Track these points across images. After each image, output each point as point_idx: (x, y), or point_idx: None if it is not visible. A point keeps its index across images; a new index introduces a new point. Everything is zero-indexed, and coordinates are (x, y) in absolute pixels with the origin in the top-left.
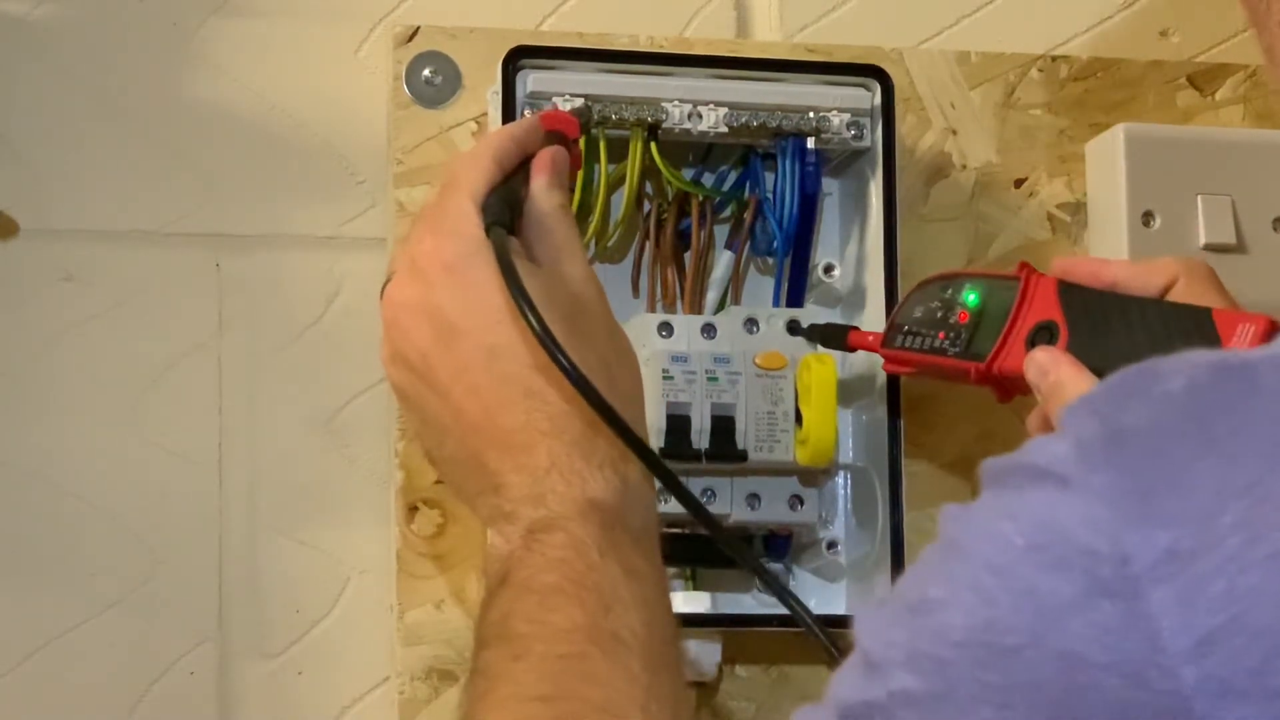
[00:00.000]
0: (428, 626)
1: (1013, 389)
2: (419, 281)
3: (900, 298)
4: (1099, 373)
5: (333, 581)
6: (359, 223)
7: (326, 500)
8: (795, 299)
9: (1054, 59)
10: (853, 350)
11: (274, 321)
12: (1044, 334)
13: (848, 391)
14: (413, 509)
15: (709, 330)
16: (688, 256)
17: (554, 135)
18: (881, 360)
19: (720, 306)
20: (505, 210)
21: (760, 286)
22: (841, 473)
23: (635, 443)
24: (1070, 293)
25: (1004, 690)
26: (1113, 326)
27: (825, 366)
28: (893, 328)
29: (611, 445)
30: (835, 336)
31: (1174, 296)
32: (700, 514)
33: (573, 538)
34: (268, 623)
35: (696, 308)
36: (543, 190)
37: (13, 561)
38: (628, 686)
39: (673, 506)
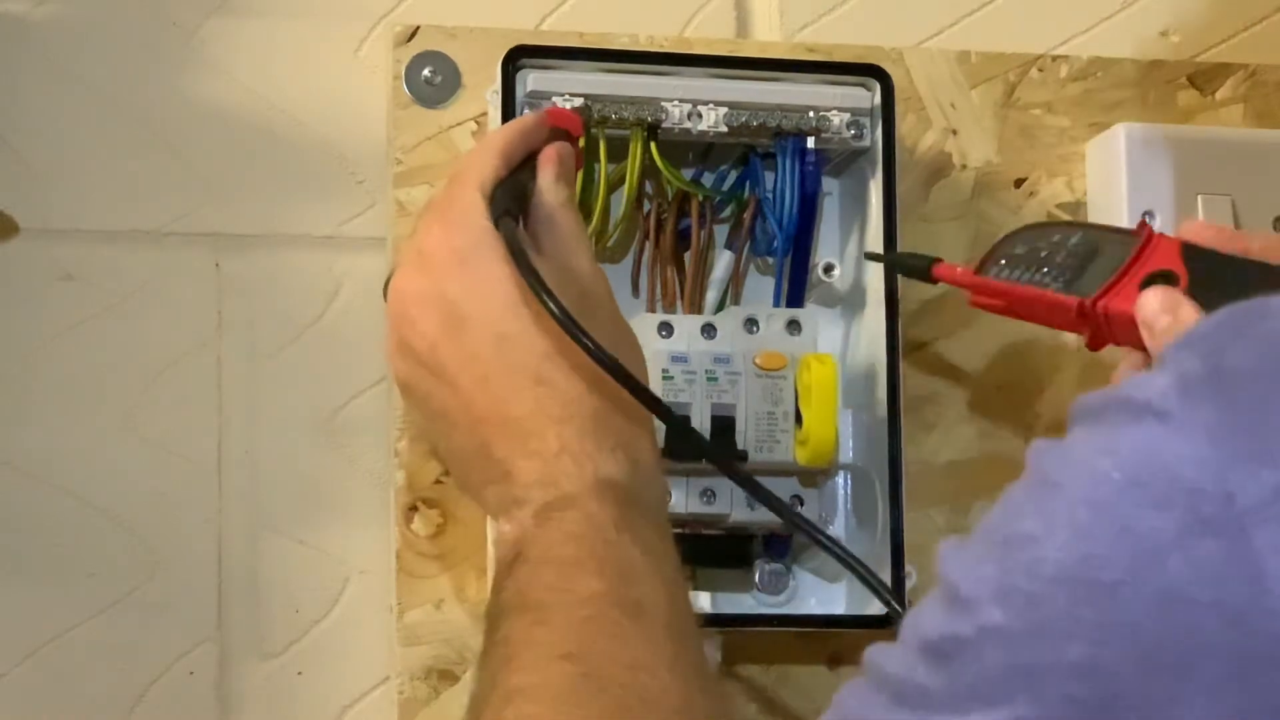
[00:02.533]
0: (428, 626)
1: (1111, 334)
2: (426, 271)
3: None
4: None
5: (333, 581)
6: (359, 222)
7: (326, 500)
8: (795, 299)
9: (1054, 59)
10: (935, 282)
11: (274, 321)
12: (1160, 280)
13: (848, 391)
14: (413, 509)
15: (709, 330)
16: (688, 256)
17: (558, 132)
18: (968, 296)
19: (720, 306)
20: (512, 203)
21: (760, 286)
22: (841, 473)
23: (658, 408)
24: (1195, 252)
25: (1098, 627)
26: (1239, 284)
27: (825, 366)
28: (988, 258)
29: (623, 428)
30: (918, 267)
31: None
32: (735, 474)
33: (588, 514)
34: (268, 623)
35: (696, 308)
36: (549, 184)
37: (12, 561)
38: (653, 647)
39: (674, 506)
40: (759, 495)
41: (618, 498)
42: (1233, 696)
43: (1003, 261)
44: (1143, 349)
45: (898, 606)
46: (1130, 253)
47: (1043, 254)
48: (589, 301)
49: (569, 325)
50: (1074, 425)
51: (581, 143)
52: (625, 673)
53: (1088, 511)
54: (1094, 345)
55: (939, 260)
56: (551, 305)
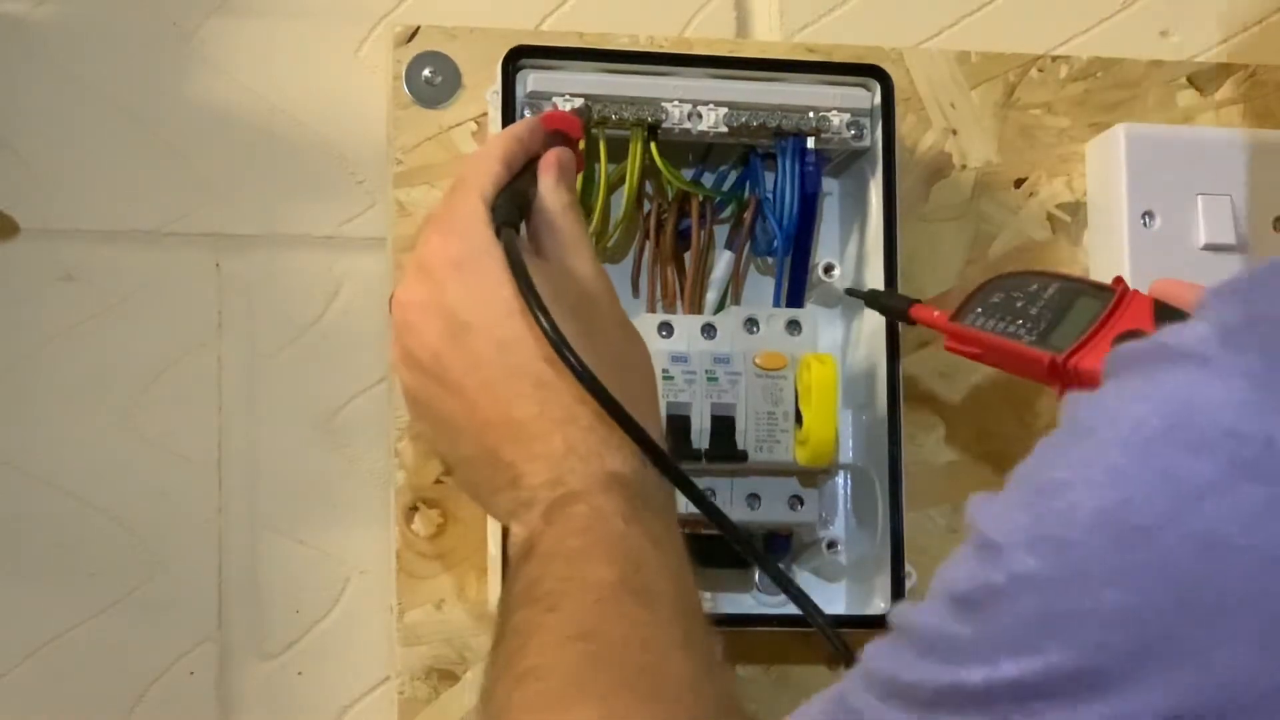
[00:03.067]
0: (428, 626)
1: (1081, 388)
2: (427, 281)
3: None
4: None
5: (333, 581)
6: (359, 222)
7: (326, 500)
8: (795, 299)
9: (1054, 59)
10: (913, 323)
11: (274, 321)
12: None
13: (848, 391)
14: (413, 509)
15: (709, 330)
16: (688, 256)
17: (556, 135)
18: (944, 339)
19: (720, 306)
20: (515, 210)
21: (760, 286)
22: (841, 473)
23: (643, 439)
24: (1167, 312)
25: (1134, 572)
26: None
27: (825, 366)
28: (965, 306)
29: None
30: (896, 307)
31: None
32: (709, 511)
33: (596, 508)
34: (268, 623)
35: (696, 308)
36: (550, 189)
37: (12, 561)
38: (665, 629)
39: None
40: (716, 520)
41: (625, 492)
42: (1269, 640)
43: (979, 310)
44: None
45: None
46: (1104, 309)
47: (1018, 304)
48: (591, 306)
49: (557, 343)
50: (1109, 376)
51: (581, 145)
52: (636, 652)
53: (1124, 456)
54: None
55: (916, 301)
56: (542, 321)
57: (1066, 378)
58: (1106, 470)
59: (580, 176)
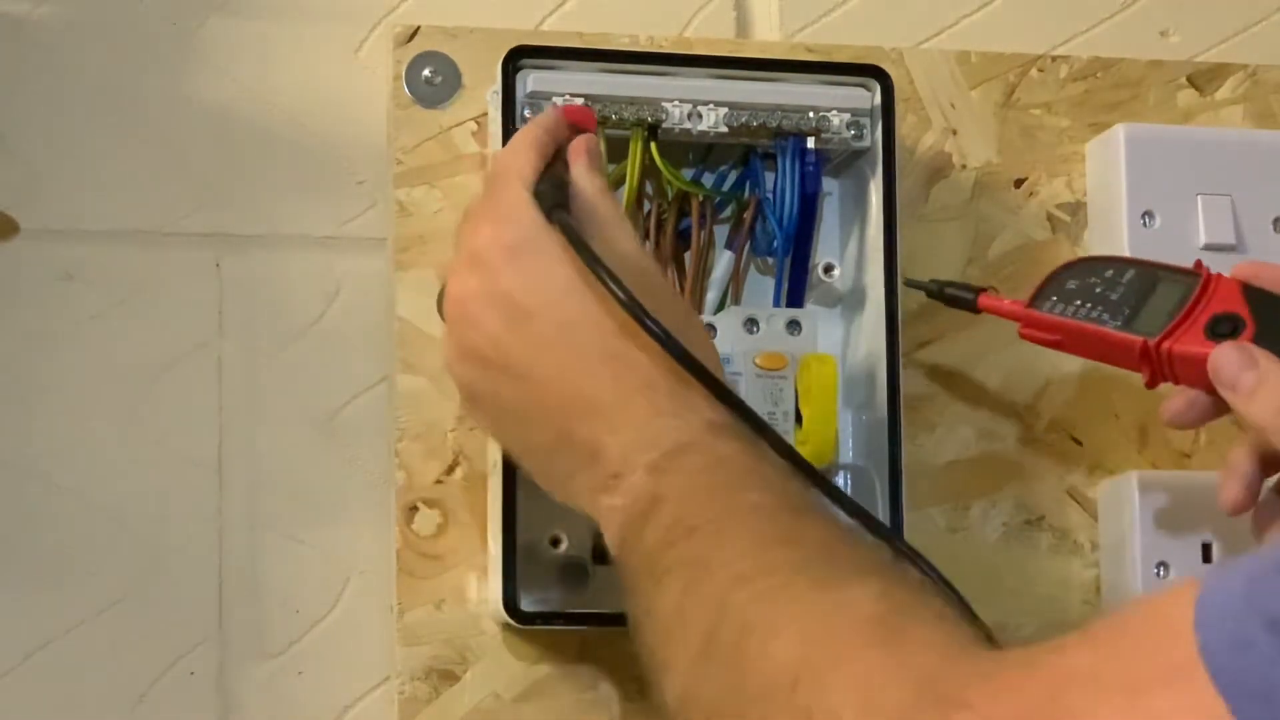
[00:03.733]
0: (428, 626)
1: (1173, 374)
2: (481, 270)
3: (889, 295)
4: None
5: (333, 581)
6: (359, 223)
7: (326, 500)
8: (795, 299)
9: (1054, 59)
10: (979, 313)
11: (274, 321)
12: (1226, 324)
13: (848, 391)
14: (413, 509)
15: (709, 330)
16: (688, 256)
17: (575, 128)
18: (1018, 327)
19: (720, 306)
20: (558, 192)
21: (760, 286)
22: (841, 473)
23: (727, 395)
24: (1256, 294)
25: None
26: None
27: (825, 366)
28: (1040, 293)
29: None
30: (962, 298)
31: None
32: (808, 471)
33: (712, 450)
34: (268, 623)
35: (696, 308)
36: (583, 174)
37: (13, 561)
38: (843, 532)
39: None
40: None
41: (736, 435)
42: None
43: (1054, 297)
44: (1204, 389)
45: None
46: (1190, 293)
47: (1097, 290)
48: (647, 282)
49: (635, 310)
50: None
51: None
52: (840, 545)
53: None
54: (1152, 384)
55: (984, 290)
56: (617, 292)
57: (1159, 362)
58: None
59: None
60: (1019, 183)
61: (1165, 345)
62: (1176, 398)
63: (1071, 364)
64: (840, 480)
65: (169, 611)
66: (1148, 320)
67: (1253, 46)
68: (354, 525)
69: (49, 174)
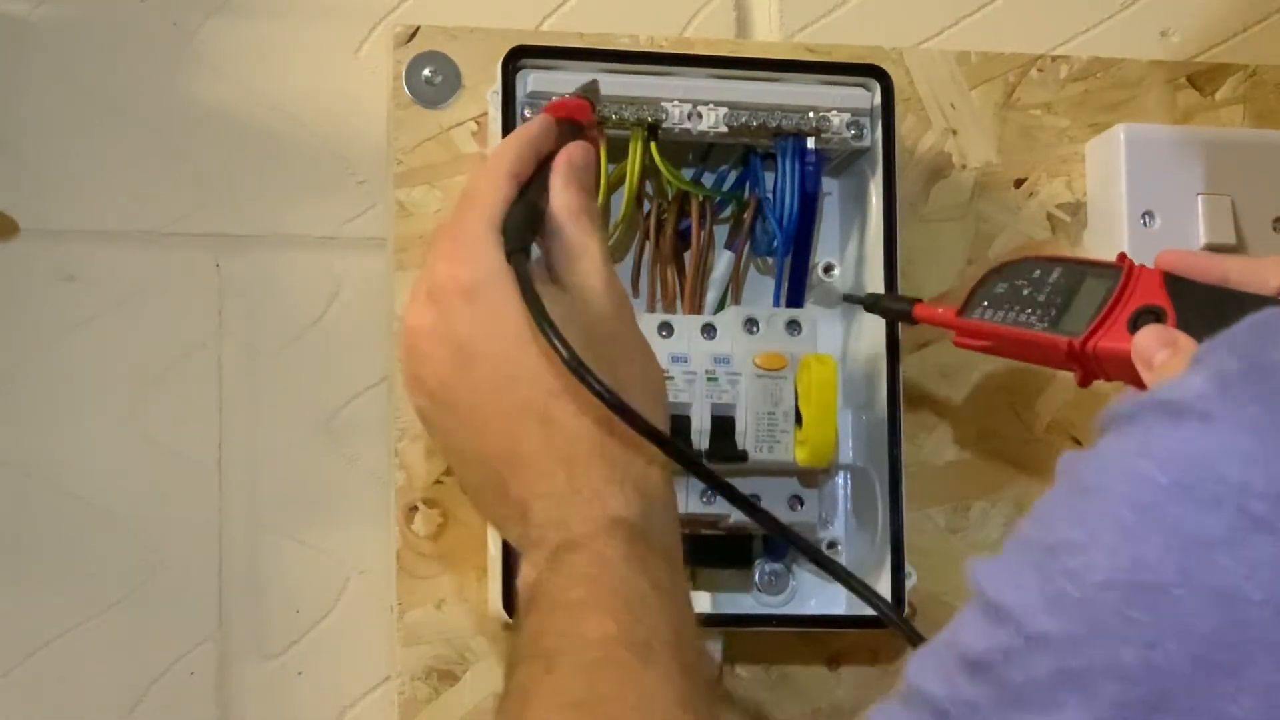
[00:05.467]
0: (428, 626)
1: (1102, 371)
2: (436, 308)
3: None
4: None
5: (333, 581)
6: (359, 223)
7: (326, 500)
8: (795, 299)
9: (1054, 59)
10: (916, 323)
11: (274, 321)
12: (1149, 316)
13: (848, 391)
14: (413, 509)
15: (709, 330)
16: (688, 256)
17: (567, 124)
18: (952, 335)
19: (720, 306)
20: (525, 227)
21: (760, 286)
22: (841, 473)
23: (680, 454)
24: (1178, 284)
25: (1151, 629)
26: (1226, 317)
27: (825, 366)
28: (970, 300)
29: (632, 463)
30: (898, 310)
31: None
32: (757, 514)
33: (598, 554)
34: (268, 623)
35: (696, 308)
36: (561, 193)
37: (13, 561)
38: (663, 687)
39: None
40: (757, 517)
41: (628, 534)
42: None
43: (985, 303)
44: (1135, 384)
45: (895, 618)
46: (1113, 288)
47: (1024, 292)
48: (603, 327)
49: (577, 369)
50: (1105, 433)
51: (598, 125)
52: (633, 714)
53: (1134, 515)
54: (1084, 382)
55: (919, 301)
56: (561, 350)
57: (1087, 360)
58: (1117, 529)
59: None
60: (1019, 183)
61: (1090, 343)
62: (1114, 398)
63: None
64: (840, 480)
65: (169, 611)
66: (1073, 319)
67: (1253, 46)
68: (354, 525)
69: (49, 174)
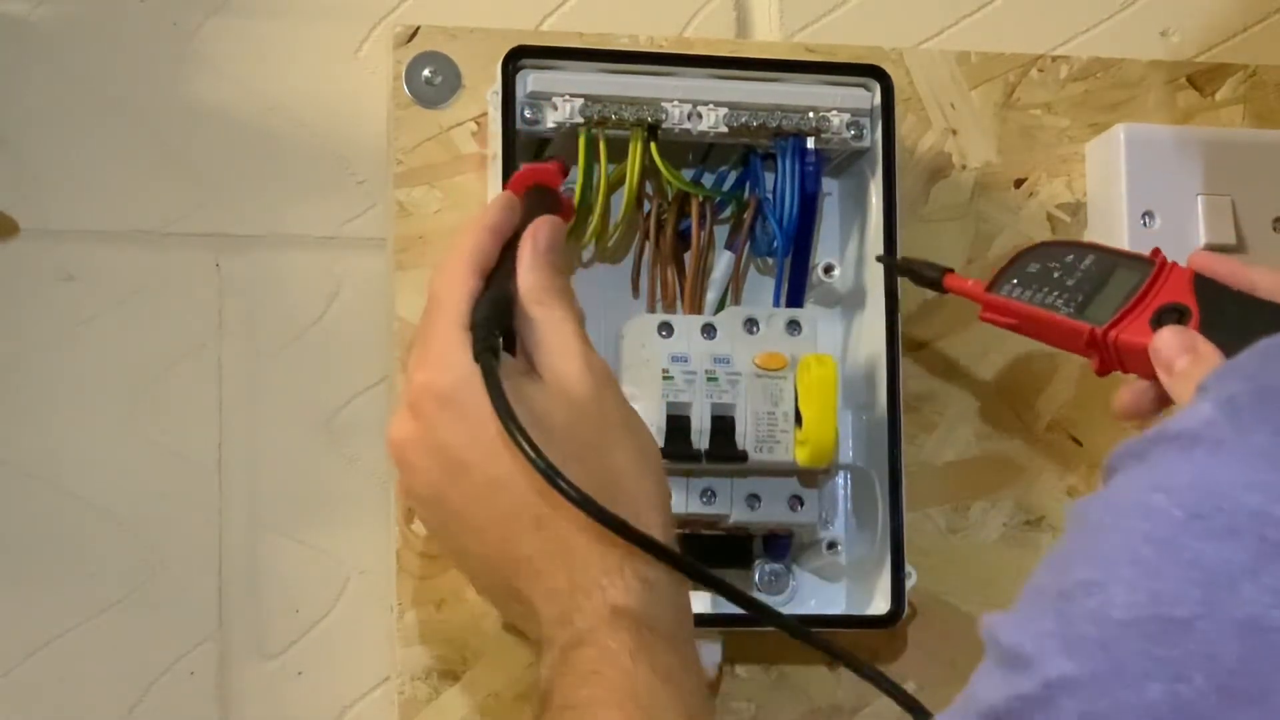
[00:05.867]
0: (428, 626)
1: (1120, 363)
2: (416, 418)
3: (887, 290)
4: None
5: (333, 581)
6: (359, 223)
7: (326, 500)
8: (795, 299)
9: (1054, 59)
10: (945, 292)
11: (274, 321)
12: (1173, 314)
13: (848, 391)
14: (413, 509)
15: (709, 330)
16: (688, 256)
17: (534, 193)
18: (979, 309)
19: (720, 306)
20: (494, 321)
21: (760, 286)
22: (841, 473)
23: (654, 546)
24: (1206, 285)
25: (1176, 663)
26: (1250, 326)
27: (825, 367)
28: (1000, 276)
29: (630, 548)
30: (928, 276)
31: None
32: (740, 599)
33: (603, 649)
34: (268, 623)
35: (696, 308)
36: (526, 277)
37: (13, 561)
38: None
39: (675, 506)
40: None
41: (632, 624)
42: None
43: (1015, 280)
44: (1149, 378)
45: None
46: (1143, 282)
47: (1055, 275)
48: (586, 411)
49: (549, 475)
50: (1114, 473)
51: (575, 184)
52: None
53: (1151, 549)
54: (1101, 371)
55: (951, 270)
56: (532, 456)
57: (1106, 350)
58: (1134, 565)
59: (579, 183)
60: (1019, 183)
61: (1112, 334)
62: (1124, 390)
63: (1072, 364)
64: (840, 480)
65: (169, 611)
66: (1099, 308)
67: (1253, 46)
68: (354, 525)
69: (49, 174)
